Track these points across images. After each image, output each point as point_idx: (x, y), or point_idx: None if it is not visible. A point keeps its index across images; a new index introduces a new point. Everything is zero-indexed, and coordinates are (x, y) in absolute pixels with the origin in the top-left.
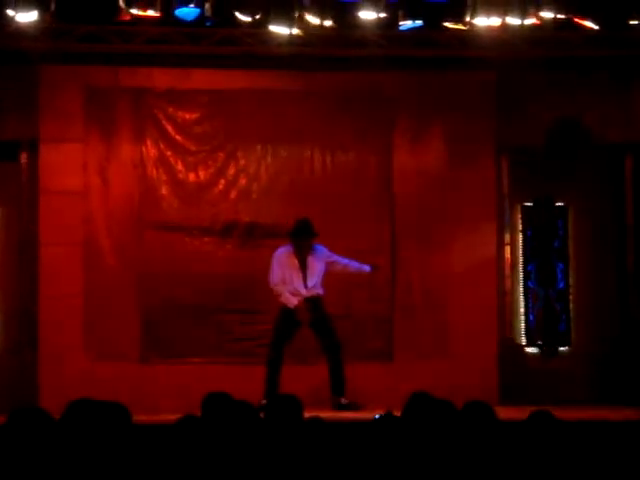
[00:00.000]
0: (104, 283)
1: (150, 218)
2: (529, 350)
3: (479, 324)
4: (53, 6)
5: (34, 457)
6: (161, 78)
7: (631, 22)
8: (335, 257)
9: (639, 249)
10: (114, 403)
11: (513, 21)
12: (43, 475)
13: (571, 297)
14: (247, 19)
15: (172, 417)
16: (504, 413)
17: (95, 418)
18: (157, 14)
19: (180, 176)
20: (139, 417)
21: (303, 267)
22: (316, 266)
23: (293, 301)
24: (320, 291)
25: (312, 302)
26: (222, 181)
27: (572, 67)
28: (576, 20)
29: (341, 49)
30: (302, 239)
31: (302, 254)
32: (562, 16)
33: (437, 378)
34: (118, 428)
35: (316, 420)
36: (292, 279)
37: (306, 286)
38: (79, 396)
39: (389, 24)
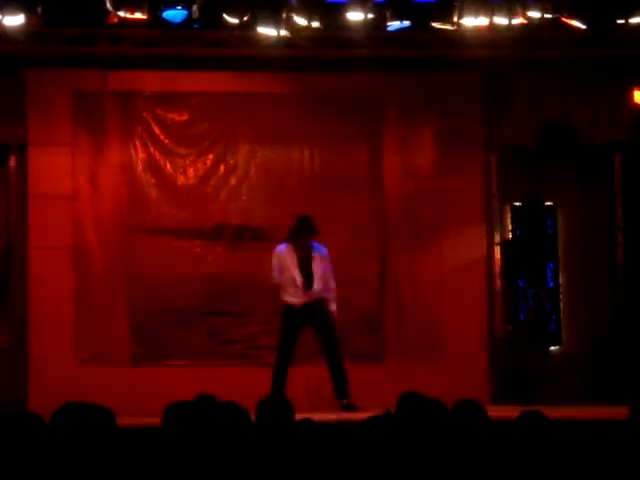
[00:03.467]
0: (93, 286)
1: (139, 221)
2: (520, 350)
3: (469, 324)
4: (40, 9)
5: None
6: (149, 81)
7: (618, 22)
8: (329, 268)
9: (629, 248)
10: (97, 406)
11: (501, 21)
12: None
13: (561, 296)
14: (235, 21)
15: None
16: (495, 412)
17: (79, 422)
18: (145, 17)
19: (169, 179)
20: (129, 420)
21: (305, 266)
22: (320, 268)
23: (296, 298)
24: (324, 293)
25: (315, 304)
26: (211, 183)
27: (560, 67)
28: (563, 20)
29: (329, 50)
30: (303, 235)
31: (303, 252)
32: (549, 16)
33: (428, 379)
34: (101, 432)
35: (306, 422)
36: (292, 277)
37: (312, 288)
38: (68, 399)
39: (377, 25)
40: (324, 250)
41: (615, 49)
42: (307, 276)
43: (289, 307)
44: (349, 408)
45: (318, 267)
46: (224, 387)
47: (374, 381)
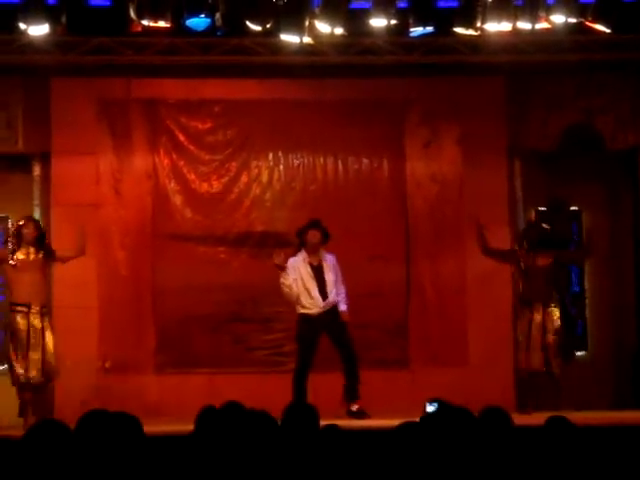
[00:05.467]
0: (118, 294)
1: (164, 229)
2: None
3: (494, 329)
4: (64, 19)
5: (52, 471)
6: (173, 89)
7: None
8: (337, 271)
9: None
10: (125, 414)
11: (524, 26)
12: None
13: (587, 301)
14: (257, 28)
15: (188, 428)
16: (521, 419)
17: (106, 430)
18: (168, 25)
19: (193, 186)
20: (154, 428)
21: (319, 276)
22: (331, 276)
23: (312, 309)
24: (338, 298)
25: (331, 312)
26: (235, 190)
27: (583, 71)
28: (587, 24)
29: (352, 56)
30: (310, 231)
31: (315, 262)
32: (573, 20)
33: (453, 385)
34: (129, 440)
35: (332, 428)
36: (307, 289)
37: (326, 298)
38: (94, 407)
39: (400, 31)
40: (333, 258)
41: (639, 52)
42: (321, 287)
43: (305, 316)
44: (358, 413)
45: (330, 276)
46: (249, 394)
47: (399, 387)
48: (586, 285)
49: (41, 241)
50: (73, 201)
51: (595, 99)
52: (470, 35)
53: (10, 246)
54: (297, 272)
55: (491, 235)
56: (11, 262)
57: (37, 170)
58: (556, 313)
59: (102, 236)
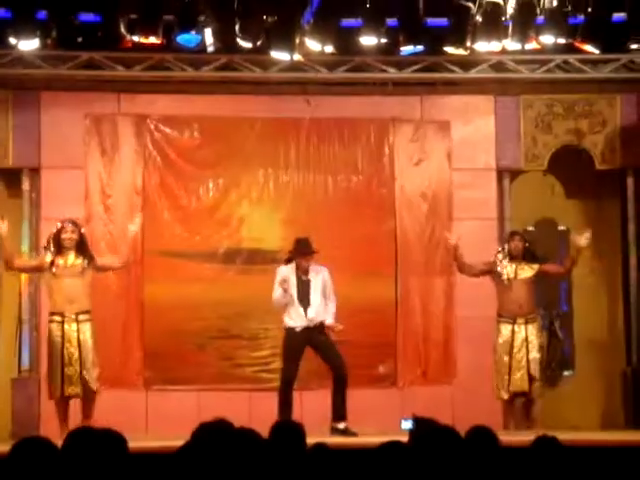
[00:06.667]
0: (107, 309)
1: (152, 244)
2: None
3: (483, 348)
4: (54, 33)
5: None
6: (163, 104)
7: (632, 46)
8: (328, 284)
9: None
10: (110, 431)
11: (513, 45)
12: None
13: (574, 320)
14: (248, 45)
15: (175, 444)
16: (507, 438)
17: (90, 447)
18: (159, 41)
19: (182, 202)
20: (142, 444)
21: (305, 292)
22: (316, 292)
23: (297, 322)
24: (322, 317)
25: (316, 328)
26: (223, 207)
27: (572, 90)
28: (576, 44)
29: (342, 74)
30: (301, 258)
31: (303, 275)
32: (562, 40)
33: (441, 403)
34: (114, 458)
35: (320, 447)
36: (293, 299)
37: (307, 314)
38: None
39: (390, 49)
40: (323, 271)
41: (628, 73)
42: (304, 302)
43: (290, 330)
44: (345, 432)
45: (315, 292)
46: (236, 411)
47: (387, 404)
48: (574, 304)
49: (81, 246)
50: (62, 216)
51: (584, 119)
52: (460, 54)
53: (49, 252)
54: (287, 283)
55: (480, 254)
56: (53, 270)
57: (26, 184)
58: (538, 328)
59: None
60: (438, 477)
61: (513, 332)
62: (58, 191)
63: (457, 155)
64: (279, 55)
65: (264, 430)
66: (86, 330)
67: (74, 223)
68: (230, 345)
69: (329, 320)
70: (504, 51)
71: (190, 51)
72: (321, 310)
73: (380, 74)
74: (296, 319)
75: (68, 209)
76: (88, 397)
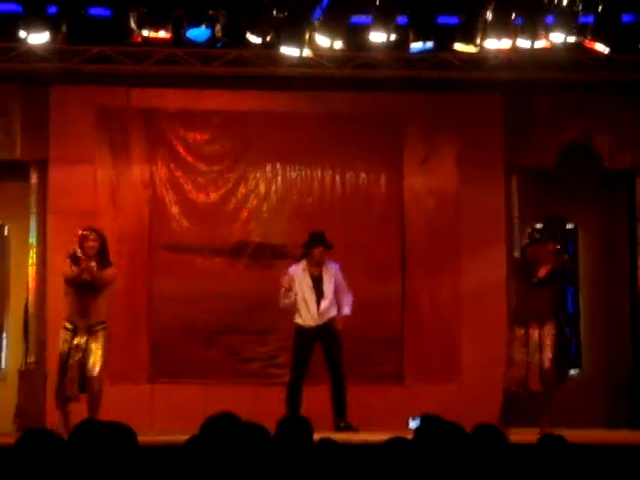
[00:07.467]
0: (113, 304)
1: (160, 239)
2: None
3: (489, 346)
4: (65, 28)
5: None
6: (172, 99)
7: None
8: (340, 280)
9: None
10: (119, 424)
11: (523, 44)
12: None
13: (581, 321)
14: (258, 40)
15: (181, 438)
16: (515, 436)
17: (100, 440)
18: (168, 35)
19: (190, 196)
20: (148, 438)
21: (317, 288)
22: (330, 287)
23: (308, 321)
24: (334, 312)
25: (325, 326)
26: (232, 201)
27: (582, 89)
28: (586, 43)
29: (351, 70)
30: (316, 249)
31: (316, 271)
32: (573, 39)
33: (447, 400)
34: (123, 450)
35: (326, 441)
36: (305, 299)
37: (319, 309)
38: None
39: (399, 46)
40: (335, 266)
41: (638, 72)
42: (319, 299)
43: (301, 328)
44: (346, 428)
45: (328, 287)
46: (243, 406)
47: (394, 402)
48: (581, 305)
49: (102, 255)
50: (70, 209)
51: (593, 118)
52: (470, 52)
53: (77, 260)
54: (297, 283)
55: (487, 252)
56: (85, 277)
57: (34, 178)
58: (552, 331)
59: None
60: (444, 473)
61: (528, 337)
62: (66, 185)
63: (465, 153)
64: (289, 51)
65: (271, 425)
66: (98, 338)
67: (96, 232)
68: (237, 339)
69: (346, 310)
70: (514, 49)
71: (199, 46)
72: (332, 307)
73: (389, 71)
74: (306, 318)
75: (76, 202)
76: (93, 399)
